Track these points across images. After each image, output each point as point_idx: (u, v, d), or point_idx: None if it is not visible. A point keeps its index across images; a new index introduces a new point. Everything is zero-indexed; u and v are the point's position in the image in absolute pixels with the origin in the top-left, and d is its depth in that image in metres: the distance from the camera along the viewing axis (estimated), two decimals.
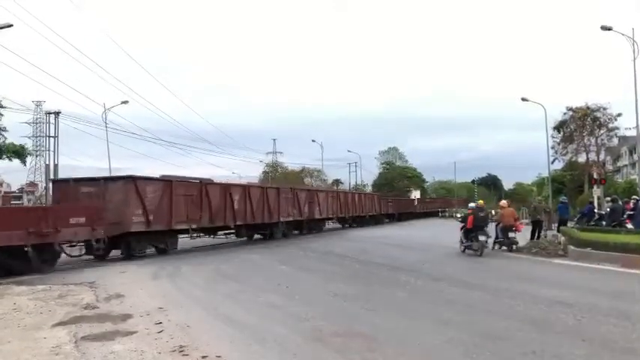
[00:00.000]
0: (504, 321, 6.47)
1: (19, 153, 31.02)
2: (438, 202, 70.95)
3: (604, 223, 18.82)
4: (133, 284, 10.40)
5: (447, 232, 22.64)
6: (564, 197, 23.96)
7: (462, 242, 16.29)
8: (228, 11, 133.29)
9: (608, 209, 19.65)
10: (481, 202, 18.81)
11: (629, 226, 17.10)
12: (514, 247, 16.22)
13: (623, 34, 25.89)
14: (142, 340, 5.79)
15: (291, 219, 25.77)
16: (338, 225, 36.58)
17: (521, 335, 5.69)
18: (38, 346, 5.62)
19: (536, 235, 19.21)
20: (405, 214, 51.54)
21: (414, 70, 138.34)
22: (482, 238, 15.36)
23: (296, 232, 27.36)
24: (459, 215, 21.80)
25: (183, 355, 5.21)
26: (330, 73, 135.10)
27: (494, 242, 16.86)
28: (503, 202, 18.21)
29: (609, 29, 26.03)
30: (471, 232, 15.80)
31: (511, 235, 16.23)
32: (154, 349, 5.43)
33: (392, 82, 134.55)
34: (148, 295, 9.01)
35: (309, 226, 28.62)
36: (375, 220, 41.16)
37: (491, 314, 6.93)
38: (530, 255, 15.08)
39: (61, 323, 6.79)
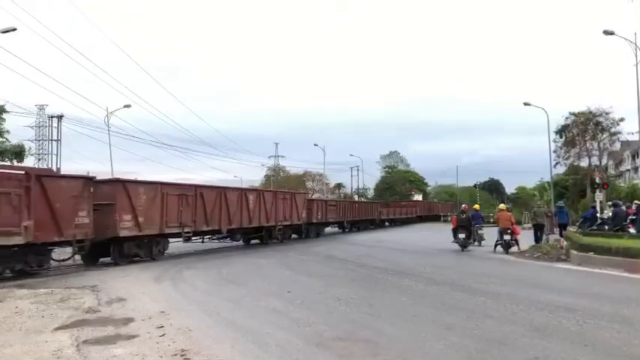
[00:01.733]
0: (507, 326, 6.45)
1: (17, 153, 31.04)
2: (420, 206, 56.50)
3: (606, 227, 18.83)
4: (134, 288, 10.40)
5: None
6: (561, 202, 24.55)
7: (460, 243, 19.23)
8: (230, 15, 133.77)
9: (611, 213, 19.62)
10: (464, 206, 22.21)
11: (632, 230, 17.06)
12: (511, 248, 17.22)
13: (625, 39, 25.89)
14: (144, 344, 5.79)
15: (20, 241, 12.06)
16: (232, 243, 23.15)
17: (524, 341, 5.67)
18: (40, 349, 5.62)
19: (539, 238, 19.74)
20: (362, 222, 39.04)
21: (416, 74, 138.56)
22: (461, 235, 18.82)
23: (107, 258, 15.75)
24: (449, 218, 24.20)
25: (185, 359, 5.21)
26: (332, 76, 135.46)
27: (496, 244, 17.93)
28: (502, 206, 20.06)
29: (612, 34, 26.01)
30: (456, 231, 19.25)
31: (506, 237, 17.41)
32: (155, 353, 5.43)
33: (393, 86, 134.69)
34: (149, 299, 9.02)
35: (119, 251, 15.62)
36: (299, 233, 28.71)
37: (494, 319, 6.91)
38: (533, 259, 15.11)
39: (62, 327, 6.79)
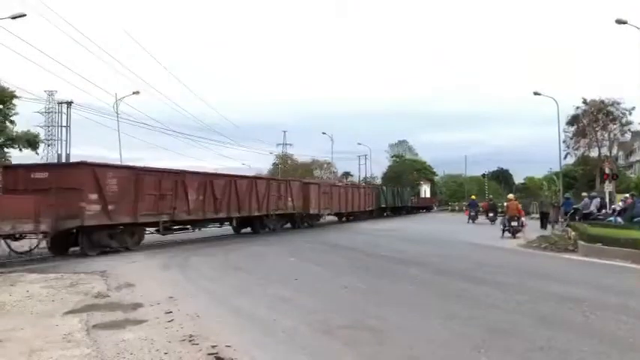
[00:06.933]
0: (513, 316, 6.46)
1: (31, 142, 31.24)
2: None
3: (577, 218, 20.01)
4: (143, 274, 10.51)
5: None
6: (568, 194, 27.24)
7: (471, 218, 31.56)
8: (239, 5, 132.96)
9: (617, 206, 19.72)
10: (473, 196, 35.60)
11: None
12: (517, 234, 19.10)
13: (638, 28, 25.49)
14: (153, 329, 5.86)
15: None
16: None
17: (529, 331, 5.68)
18: (50, 333, 5.71)
19: (544, 224, 22.68)
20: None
21: (426, 64, 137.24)
22: (491, 214, 29.96)
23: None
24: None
25: (193, 344, 5.27)
26: (341, 65, 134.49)
27: (503, 230, 19.77)
28: (510, 196, 22.07)
29: (624, 23, 25.63)
30: (487, 212, 31.10)
31: (514, 224, 19.57)
32: (164, 337, 5.50)
33: (402, 75, 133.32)
34: (158, 285, 9.12)
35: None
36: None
37: (500, 309, 6.92)
38: (540, 250, 15.05)
39: (72, 311, 6.89)
